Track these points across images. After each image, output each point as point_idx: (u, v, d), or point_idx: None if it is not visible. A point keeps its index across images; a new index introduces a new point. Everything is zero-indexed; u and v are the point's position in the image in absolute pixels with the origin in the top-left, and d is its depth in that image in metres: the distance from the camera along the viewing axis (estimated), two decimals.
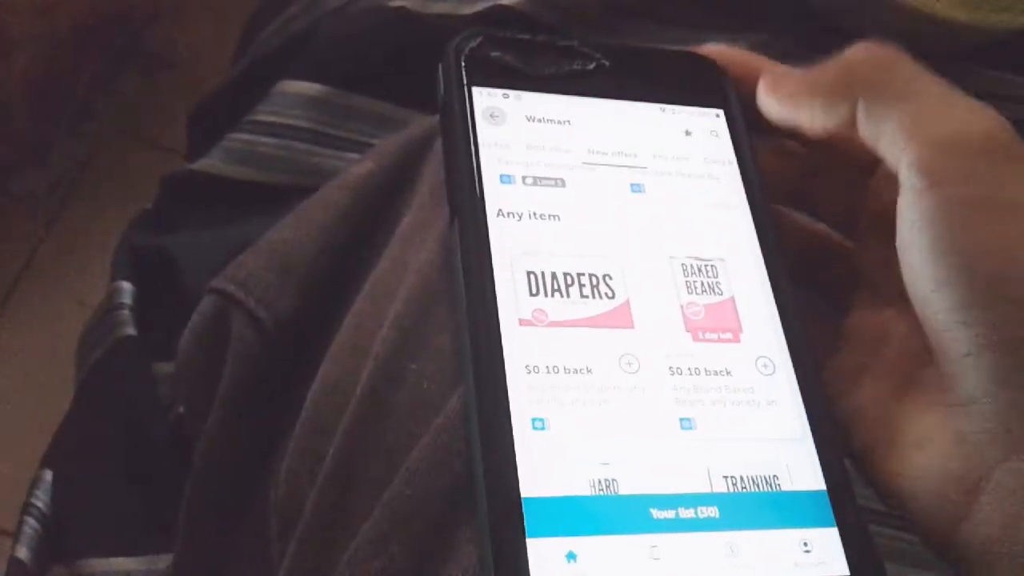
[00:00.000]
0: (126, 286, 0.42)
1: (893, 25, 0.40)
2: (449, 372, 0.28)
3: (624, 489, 0.24)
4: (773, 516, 0.25)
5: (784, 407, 0.26)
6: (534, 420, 0.24)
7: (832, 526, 0.25)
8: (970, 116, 0.23)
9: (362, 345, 0.29)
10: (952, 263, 0.22)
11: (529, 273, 0.26)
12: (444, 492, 0.26)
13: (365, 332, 0.29)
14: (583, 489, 0.24)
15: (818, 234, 0.30)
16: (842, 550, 0.24)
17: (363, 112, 0.42)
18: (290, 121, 0.43)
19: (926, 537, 0.24)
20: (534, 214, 0.28)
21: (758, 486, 0.25)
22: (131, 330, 0.40)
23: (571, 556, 0.23)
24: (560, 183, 0.28)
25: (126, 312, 0.41)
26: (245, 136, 0.43)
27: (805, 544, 0.25)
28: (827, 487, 0.25)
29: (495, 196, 0.27)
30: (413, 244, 0.31)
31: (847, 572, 0.24)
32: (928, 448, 0.23)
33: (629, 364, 0.26)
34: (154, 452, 0.36)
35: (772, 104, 0.27)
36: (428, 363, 0.28)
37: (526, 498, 0.23)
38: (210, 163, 0.43)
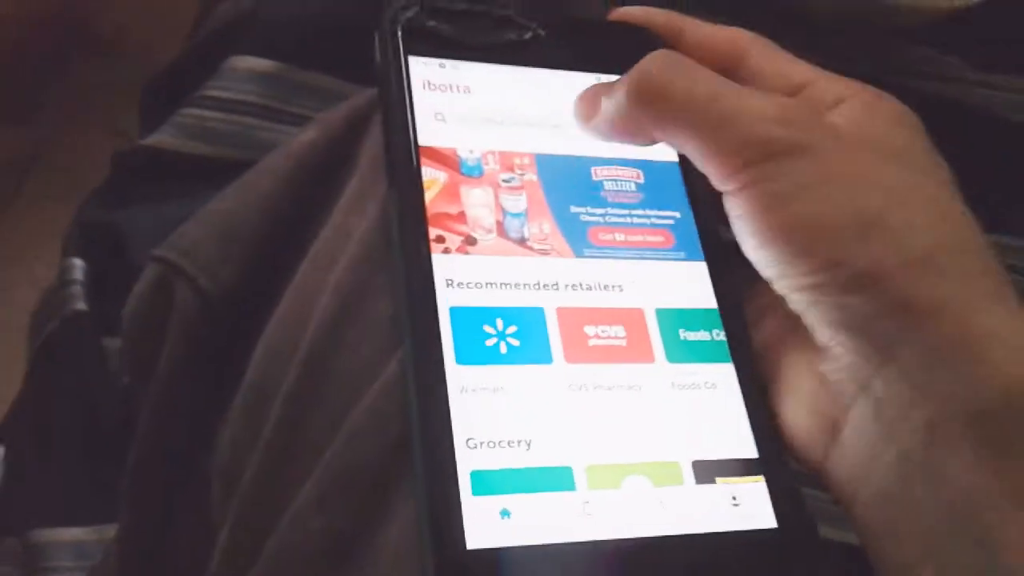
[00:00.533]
0: (77, 262, 0.42)
1: (840, 4, 0.41)
2: (388, 338, 0.29)
3: (556, 452, 0.25)
4: (703, 472, 0.25)
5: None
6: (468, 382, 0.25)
7: (760, 479, 0.26)
8: (750, 116, 0.25)
9: (304, 312, 0.30)
10: (763, 242, 0.24)
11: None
12: (382, 453, 0.27)
13: (307, 300, 0.30)
14: (517, 450, 0.24)
15: None
16: (770, 503, 0.25)
17: (313, 87, 0.42)
18: (241, 96, 0.43)
19: (814, 481, 0.25)
20: None
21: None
22: (82, 305, 0.40)
23: (505, 513, 0.23)
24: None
25: (77, 287, 0.41)
26: (196, 111, 0.43)
27: (734, 498, 0.25)
28: (757, 448, 0.26)
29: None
30: (354, 213, 0.31)
31: (775, 524, 0.25)
32: (798, 392, 0.25)
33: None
34: (104, 424, 0.37)
35: (592, 135, 0.28)
36: (367, 329, 0.29)
37: (461, 459, 0.24)
38: (161, 139, 0.43)
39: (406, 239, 0.26)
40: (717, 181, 0.25)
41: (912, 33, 0.37)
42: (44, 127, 1.04)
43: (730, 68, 0.27)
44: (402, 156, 0.27)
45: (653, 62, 0.26)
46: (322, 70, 0.42)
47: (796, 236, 0.24)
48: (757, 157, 0.24)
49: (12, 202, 1.02)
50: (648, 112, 0.25)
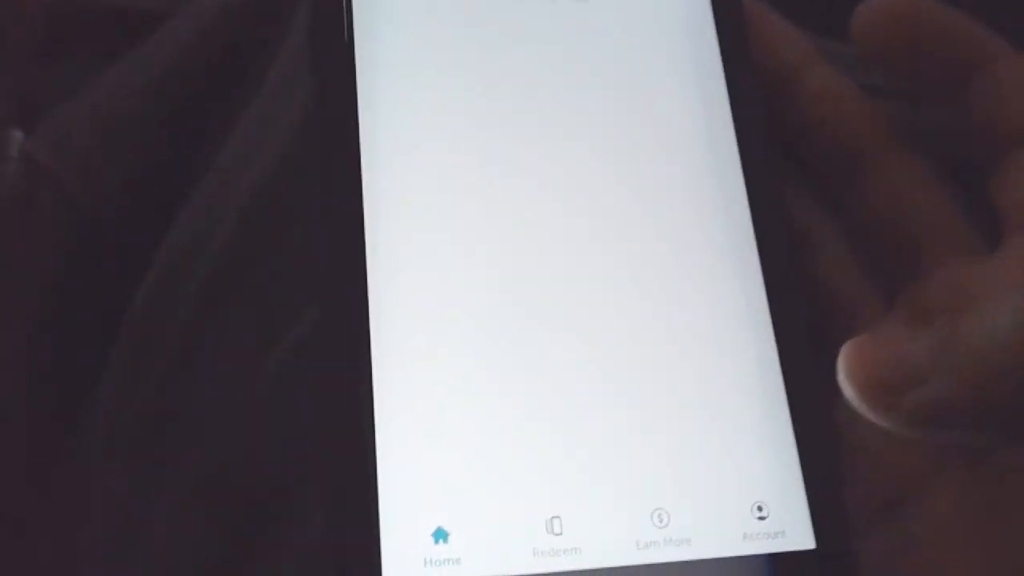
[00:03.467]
0: (17, 135, 0.35)
1: None
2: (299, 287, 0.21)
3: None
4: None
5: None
6: None
7: (798, 481, 0.18)
8: None
9: (202, 237, 0.22)
10: None
11: None
12: (286, 445, 0.20)
13: (207, 220, 0.23)
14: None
15: None
16: (808, 516, 0.18)
17: None
18: None
19: None
20: None
21: None
22: None
23: (440, 535, 0.17)
24: None
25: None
26: None
27: (760, 508, 0.18)
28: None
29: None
30: (281, 102, 0.23)
31: (813, 546, 0.18)
32: None
33: None
34: None
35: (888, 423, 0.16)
36: (280, 266, 0.22)
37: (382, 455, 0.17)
38: None
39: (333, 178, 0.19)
40: None
41: None
42: None
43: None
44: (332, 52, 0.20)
45: None
46: None
47: None
48: None
49: None
50: None
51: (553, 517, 0.18)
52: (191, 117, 0.25)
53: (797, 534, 0.18)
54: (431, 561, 0.17)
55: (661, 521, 0.18)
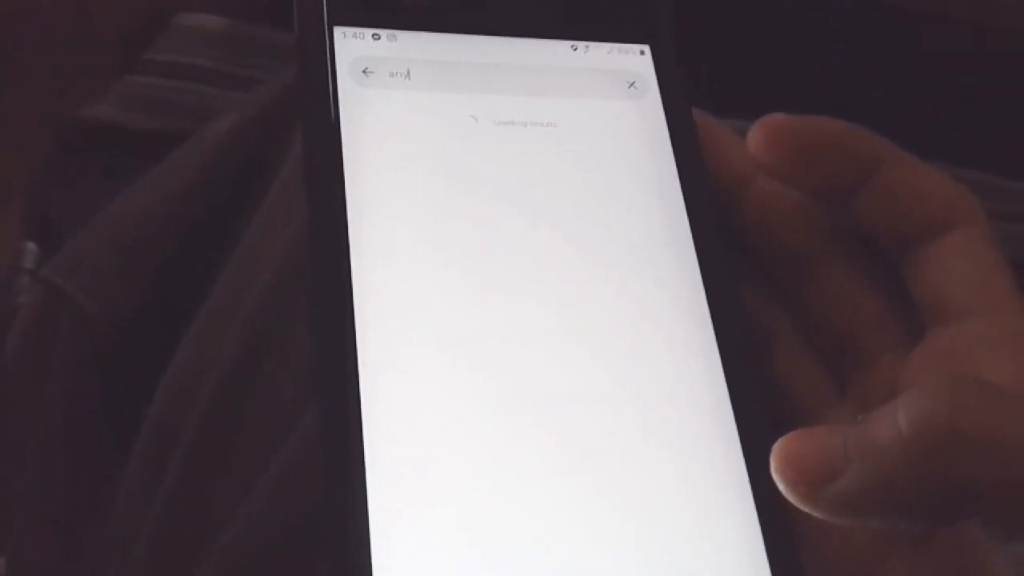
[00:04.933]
0: (31, 247, 0.37)
1: None
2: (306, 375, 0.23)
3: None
4: None
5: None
6: None
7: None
8: None
9: (212, 345, 0.24)
10: None
11: None
12: (291, 534, 0.21)
13: (216, 329, 0.24)
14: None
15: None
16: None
17: (265, 45, 0.36)
18: (191, 60, 0.37)
19: None
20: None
21: None
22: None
23: None
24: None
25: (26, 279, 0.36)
26: (142, 79, 0.37)
27: None
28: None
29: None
30: (281, 216, 0.25)
31: None
32: None
33: None
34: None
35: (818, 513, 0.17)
36: (284, 367, 0.23)
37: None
38: (106, 110, 0.38)
39: (324, 277, 0.20)
40: None
41: None
42: None
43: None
44: (324, 173, 0.21)
45: (945, 394, 0.16)
46: (275, 24, 0.36)
47: None
48: None
49: None
50: (942, 473, 0.15)
51: None
52: (201, 234, 0.27)
53: None
54: None
55: None
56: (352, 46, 0.23)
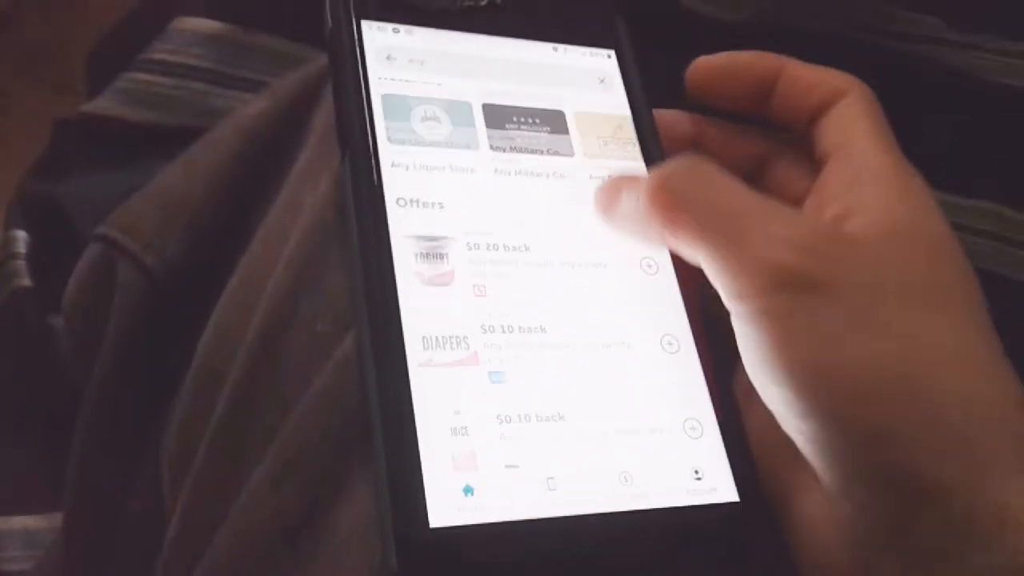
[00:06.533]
0: (21, 235, 0.40)
1: None
2: (342, 313, 0.28)
3: (517, 424, 0.24)
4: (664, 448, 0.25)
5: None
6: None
7: (722, 455, 0.25)
8: (782, 245, 0.23)
9: (254, 289, 0.28)
10: (771, 381, 0.22)
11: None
12: (337, 433, 0.26)
13: (257, 275, 0.29)
14: (479, 424, 0.24)
15: None
16: (731, 477, 0.25)
17: (263, 49, 0.40)
18: (188, 60, 0.41)
19: None
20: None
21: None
22: (26, 281, 0.39)
23: (468, 490, 0.23)
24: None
25: (21, 262, 0.39)
26: (141, 76, 0.41)
27: (696, 472, 0.25)
28: (719, 424, 0.25)
29: (385, 132, 0.27)
30: (307, 185, 0.30)
31: (736, 499, 0.25)
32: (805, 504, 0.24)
33: None
34: (51, 407, 0.35)
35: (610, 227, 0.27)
36: (321, 305, 0.28)
37: (422, 435, 0.23)
38: (104, 105, 0.41)
39: (361, 209, 0.25)
40: (728, 298, 0.23)
41: None
42: None
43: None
44: (356, 123, 0.26)
45: (677, 166, 0.24)
46: (271, 31, 0.40)
47: (808, 385, 0.21)
48: (775, 284, 0.22)
49: None
50: (665, 217, 0.24)
51: (549, 478, 0.24)
52: (238, 199, 0.31)
53: (725, 491, 0.25)
54: (462, 508, 0.23)
55: (627, 481, 0.24)
56: (378, 36, 0.28)
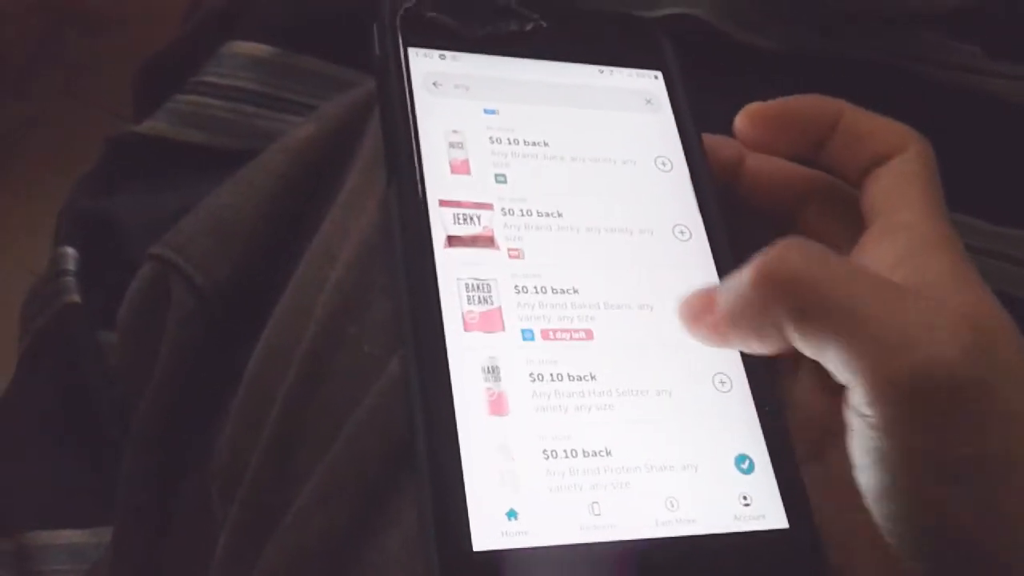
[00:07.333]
0: (70, 251, 0.41)
1: None
2: (389, 335, 0.28)
3: (563, 453, 0.24)
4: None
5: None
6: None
7: (772, 481, 0.25)
8: (927, 336, 0.20)
9: (303, 310, 0.29)
10: (895, 507, 0.22)
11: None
12: (384, 453, 0.26)
13: (306, 297, 0.29)
14: (526, 450, 0.24)
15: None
16: (781, 503, 0.25)
17: (312, 73, 0.41)
18: (238, 83, 0.42)
19: None
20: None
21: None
22: (76, 297, 0.39)
23: (512, 514, 0.23)
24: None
25: (70, 279, 0.40)
26: (192, 98, 0.42)
27: (744, 497, 0.25)
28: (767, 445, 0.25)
29: (433, 158, 0.27)
30: (354, 209, 0.30)
31: (786, 525, 0.24)
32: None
33: None
34: (99, 422, 0.36)
35: (703, 339, 0.25)
36: (368, 327, 0.28)
37: (466, 459, 0.23)
38: (156, 125, 0.42)
39: (407, 235, 0.25)
40: (863, 403, 0.21)
41: (928, 20, 0.36)
42: (35, 106, 1.02)
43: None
44: (403, 149, 0.27)
45: (788, 247, 0.21)
46: (320, 55, 0.41)
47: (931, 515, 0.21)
48: (928, 389, 0.20)
49: (2, 179, 1.00)
50: (784, 303, 0.21)
51: (593, 503, 0.24)
52: (287, 221, 0.32)
53: (774, 518, 0.25)
54: (506, 532, 0.23)
55: (673, 507, 0.24)
56: (424, 63, 0.28)
